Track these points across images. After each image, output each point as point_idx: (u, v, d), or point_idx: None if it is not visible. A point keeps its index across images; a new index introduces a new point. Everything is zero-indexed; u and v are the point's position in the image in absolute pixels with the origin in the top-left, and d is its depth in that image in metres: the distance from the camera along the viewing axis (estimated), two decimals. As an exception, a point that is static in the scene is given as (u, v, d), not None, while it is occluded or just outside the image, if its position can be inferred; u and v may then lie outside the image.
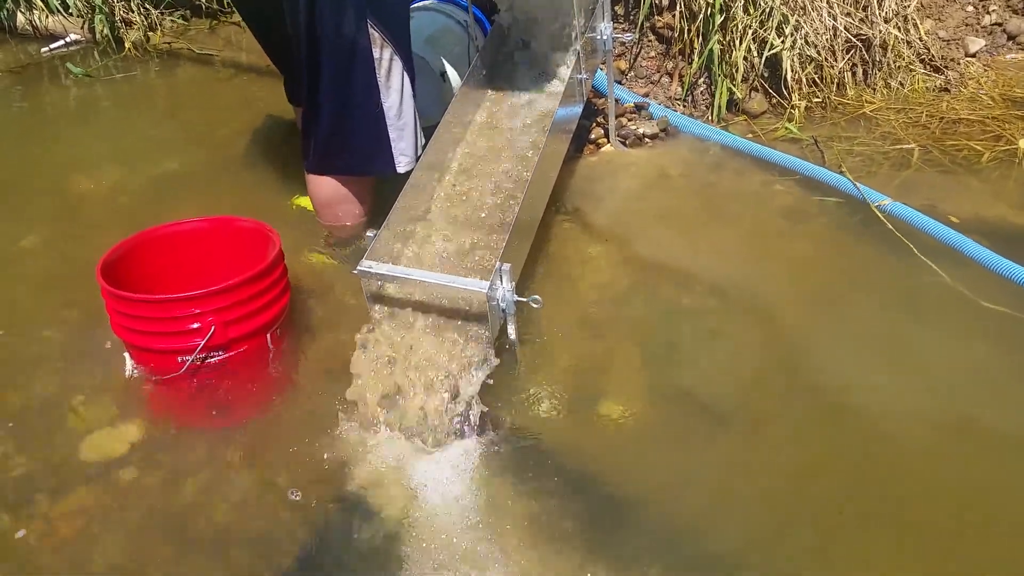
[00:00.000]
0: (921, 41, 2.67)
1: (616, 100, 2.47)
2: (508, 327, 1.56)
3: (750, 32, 2.36)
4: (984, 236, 1.98)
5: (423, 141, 1.83)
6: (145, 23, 3.16)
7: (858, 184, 2.00)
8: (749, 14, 2.35)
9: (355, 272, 1.45)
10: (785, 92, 2.44)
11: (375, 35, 1.65)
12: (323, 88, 1.72)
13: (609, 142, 2.36)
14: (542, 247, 2.01)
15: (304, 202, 2.03)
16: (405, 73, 1.73)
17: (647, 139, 2.38)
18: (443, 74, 2.42)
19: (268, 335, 1.68)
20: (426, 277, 1.42)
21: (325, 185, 1.85)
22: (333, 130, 1.76)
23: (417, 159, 1.81)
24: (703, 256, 2.02)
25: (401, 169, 1.80)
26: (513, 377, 1.65)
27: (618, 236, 2.09)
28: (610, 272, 1.98)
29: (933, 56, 2.67)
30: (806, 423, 1.55)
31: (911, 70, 2.61)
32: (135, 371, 1.66)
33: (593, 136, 2.40)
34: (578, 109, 1.98)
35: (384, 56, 1.68)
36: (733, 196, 2.23)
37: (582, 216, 2.16)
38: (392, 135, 1.75)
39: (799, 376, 1.67)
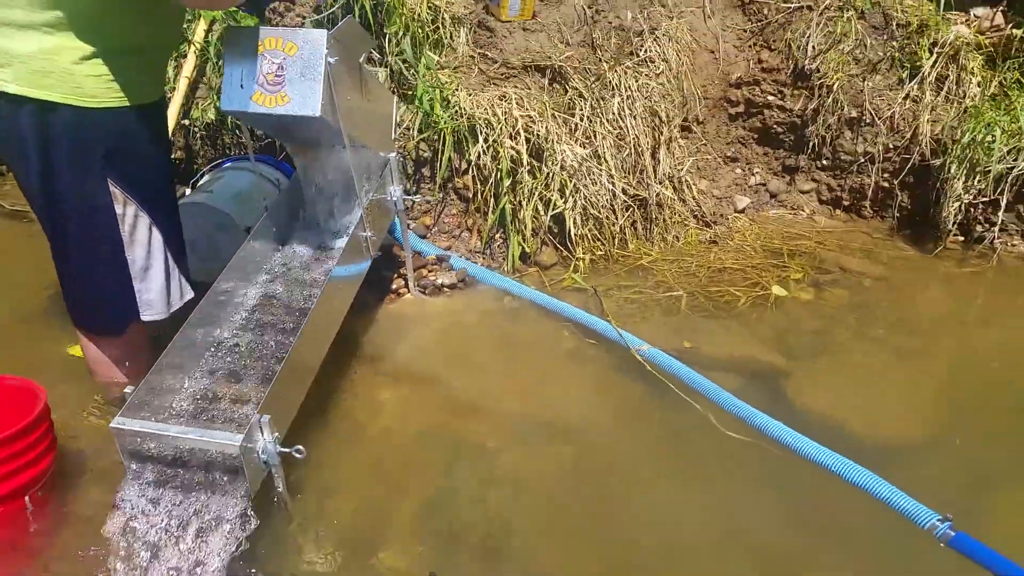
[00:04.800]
0: (694, 199, 3.02)
1: (419, 253, 2.64)
2: (276, 480, 1.59)
3: (536, 194, 2.60)
4: (735, 372, 2.21)
5: (186, 294, 1.89)
6: (-45, 180, 3.13)
7: (621, 332, 2.21)
8: (535, 178, 2.61)
9: (109, 428, 1.47)
10: (571, 246, 2.68)
11: (116, 192, 1.71)
12: (66, 243, 1.76)
13: (409, 291, 2.50)
14: (333, 395, 2.07)
15: (77, 351, 2.03)
16: (154, 227, 1.79)
17: (446, 288, 2.54)
18: (248, 229, 2.52)
19: (28, 496, 1.64)
20: (178, 432, 1.45)
21: (92, 340, 1.87)
22: (79, 284, 1.81)
23: (169, 309, 1.87)
24: (493, 399, 2.14)
25: (146, 318, 1.85)
26: (285, 531, 1.67)
27: (412, 381, 2.19)
28: (401, 417, 2.06)
29: (704, 213, 3.02)
30: (589, 560, 1.64)
31: (685, 225, 2.94)
32: None
33: (395, 286, 2.53)
34: (364, 264, 2.11)
35: (128, 212, 1.74)
36: (523, 341, 2.39)
37: (378, 363, 2.25)
38: (137, 285, 1.80)
39: (581, 514, 1.78)
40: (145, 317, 1.84)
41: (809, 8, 3.06)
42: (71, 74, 1.58)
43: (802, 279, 2.69)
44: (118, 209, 1.72)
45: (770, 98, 3.12)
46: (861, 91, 2.97)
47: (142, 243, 1.77)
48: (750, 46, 3.17)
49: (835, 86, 2.96)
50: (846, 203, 3.16)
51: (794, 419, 1.94)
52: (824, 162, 3.12)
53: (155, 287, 1.82)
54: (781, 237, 2.97)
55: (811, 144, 3.09)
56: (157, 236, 1.80)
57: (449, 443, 1.98)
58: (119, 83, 1.64)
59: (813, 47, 3.00)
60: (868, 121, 2.98)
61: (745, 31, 3.17)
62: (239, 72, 1.79)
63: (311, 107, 1.77)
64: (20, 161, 1.67)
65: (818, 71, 2.99)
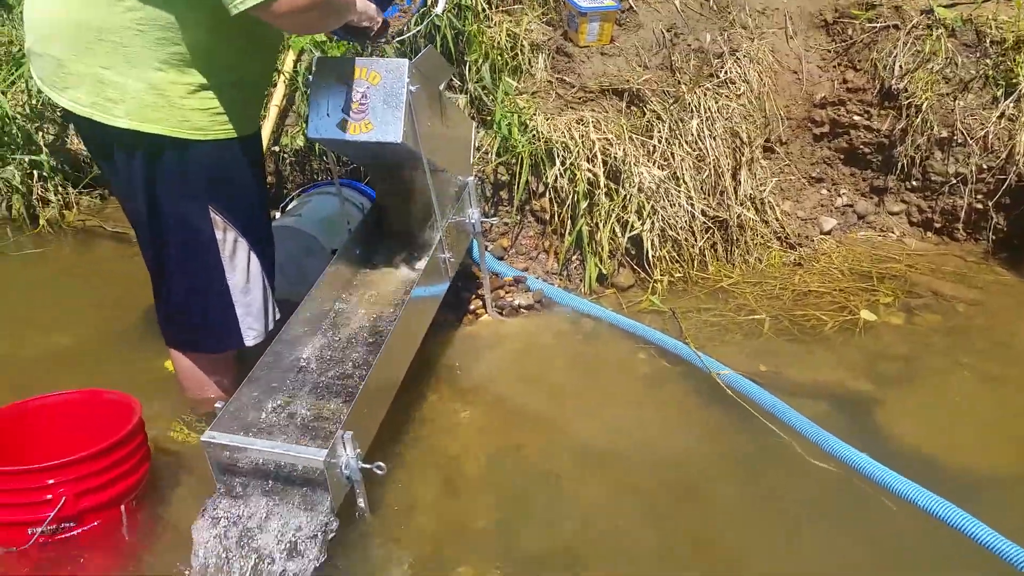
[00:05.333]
0: (777, 220, 2.96)
1: (496, 274, 2.66)
2: (357, 495, 1.62)
3: (613, 215, 2.60)
4: (821, 398, 2.15)
5: (277, 315, 1.95)
6: (62, 202, 3.32)
7: (700, 354, 2.17)
8: (612, 200, 2.61)
9: (200, 442, 1.52)
10: (649, 268, 2.66)
11: (217, 219, 1.77)
12: (169, 268, 1.82)
13: (487, 312, 2.53)
14: (412, 413, 2.10)
15: (170, 366, 2.12)
16: (252, 252, 1.84)
17: (523, 310, 2.56)
18: (335, 251, 2.59)
19: (123, 506, 1.71)
20: (266, 446, 1.50)
21: (184, 359, 1.94)
22: (180, 308, 1.87)
23: (267, 332, 1.92)
24: (568, 420, 2.14)
25: (249, 343, 1.90)
26: (366, 545, 1.70)
27: (489, 401, 2.20)
28: (478, 436, 2.08)
29: (788, 234, 2.95)
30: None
31: (768, 247, 2.88)
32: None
33: (472, 307, 2.56)
34: (443, 286, 2.15)
35: (228, 238, 1.79)
36: (599, 363, 2.38)
37: (456, 382, 2.27)
38: (239, 311, 1.85)
39: (654, 539, 1.75)
40: (248, 342, 1.90)
41: (896, 27, 2.98)
42: (180, 108, 1.66)
43: (892, 303, 2.60)
44: (218, 235, 1.78)
45: (856, 118, 3.04)
46: (952, 111, 2.87)
47: (242, 268, 1.84)
48: (834, 66, 3.10)
49: (924, 106, 2.86)
50: (938, 225, 3.04)
51: (883, 449, 1.88)
52: (914, 183, 3.02)
53: (255, 311, 1.89)
54: (870, 259, 2.88)
55: (900, 165, 2.99)
56: (255, 261, 1.86)
57: (524, 463, 1.98)
58: (225, 116, 1.71)
59: (900, 66, 2.91)
60: (960, 141, 2.87)
61: (829, 51, 3.11)
62: (325, 101, 1.86)
63: (393, 134, 1.82)
64: (127, 189, 1.76)
65: (906, 91, 2.90)
